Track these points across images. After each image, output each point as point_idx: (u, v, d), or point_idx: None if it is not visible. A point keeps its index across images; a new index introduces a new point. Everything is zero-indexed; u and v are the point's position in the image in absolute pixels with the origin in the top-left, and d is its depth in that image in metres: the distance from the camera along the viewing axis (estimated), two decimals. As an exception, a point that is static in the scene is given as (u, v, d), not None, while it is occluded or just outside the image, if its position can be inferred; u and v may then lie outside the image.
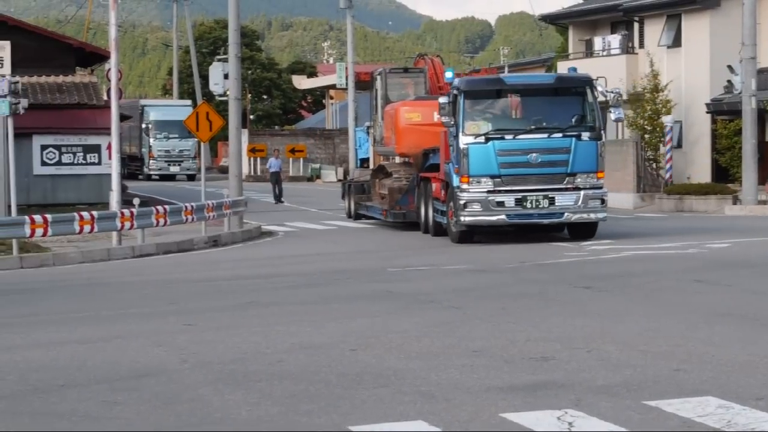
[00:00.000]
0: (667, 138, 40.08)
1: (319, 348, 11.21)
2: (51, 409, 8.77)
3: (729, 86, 40.22)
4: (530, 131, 24.57)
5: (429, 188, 27.33)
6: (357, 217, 34.14)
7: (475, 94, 25.09)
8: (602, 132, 25.08)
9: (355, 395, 8.93)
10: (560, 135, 24.47)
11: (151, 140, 62.33)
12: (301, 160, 65.89)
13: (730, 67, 39.60)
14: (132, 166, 63.71)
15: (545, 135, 24.53)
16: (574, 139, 24.40)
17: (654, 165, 41.45)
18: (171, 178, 61.27)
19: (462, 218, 24.58)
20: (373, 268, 19.94)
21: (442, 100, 25.26)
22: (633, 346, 10.83)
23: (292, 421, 8.23)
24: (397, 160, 32.57)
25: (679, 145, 41.96)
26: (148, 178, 62.21)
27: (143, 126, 62.77)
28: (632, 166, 40.67)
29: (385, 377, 9.60)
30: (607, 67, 44.01)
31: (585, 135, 24.49)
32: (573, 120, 24.76)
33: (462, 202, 24.43)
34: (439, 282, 17.44)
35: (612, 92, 25.99)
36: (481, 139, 24.34)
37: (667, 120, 40.34)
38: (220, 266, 21.75)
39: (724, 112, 40.45)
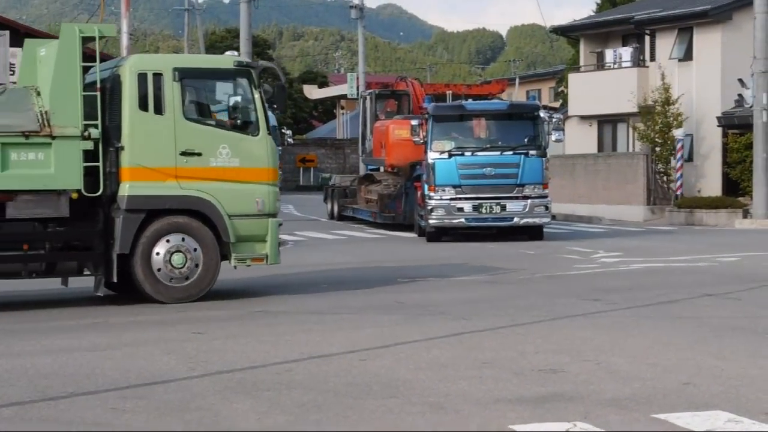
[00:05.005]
0: (678, 146, 39.99)
1: (329, 357, 11.21)
2: (60, 416, 8.78)
3: (740, 100, 40.25)
4: (486, 149, 28.90)
5: (416, 196, 31.00)
6: (341, 218, 38.05)
7: (442, 118, 29.60)
8: (547, 150, 29.29)
9: (364, 405, 8.92)
10: (511, 152, 28.72)
11: None
12: (312, 169, 65.98)
13: (741, 80, 39.63)
14: None
15: (498, 152, 28.83)
16: (523, 156, 28.65)
17: (665, 178, 41.41)
18: None
19: (429, 221, 28.91)
20: (383, 277, 19.93)
21: (414, 122, 30.02)
22: (642, 359, 10.81)
23: (301, 430, 8.23)
24: (381, 169, 35.86)
25: (690, 159, 41.89)
26: None
27: None
28: (642, 178, 40.72)
29: (394, 387, 9.59)
30: (618, 79, 44.08)
31: (532, 152, 28.76)
32: (524, 140, 28.92)
33: (429, 207, 28.81)
34: (450, 293, 17.43)
35: (554, 117, 29.94)
36: (446, 155, 28.72)
37: (678, 133, 40.28)
38: (230, 275, 21.73)
39: (735, 125, 40.41)
